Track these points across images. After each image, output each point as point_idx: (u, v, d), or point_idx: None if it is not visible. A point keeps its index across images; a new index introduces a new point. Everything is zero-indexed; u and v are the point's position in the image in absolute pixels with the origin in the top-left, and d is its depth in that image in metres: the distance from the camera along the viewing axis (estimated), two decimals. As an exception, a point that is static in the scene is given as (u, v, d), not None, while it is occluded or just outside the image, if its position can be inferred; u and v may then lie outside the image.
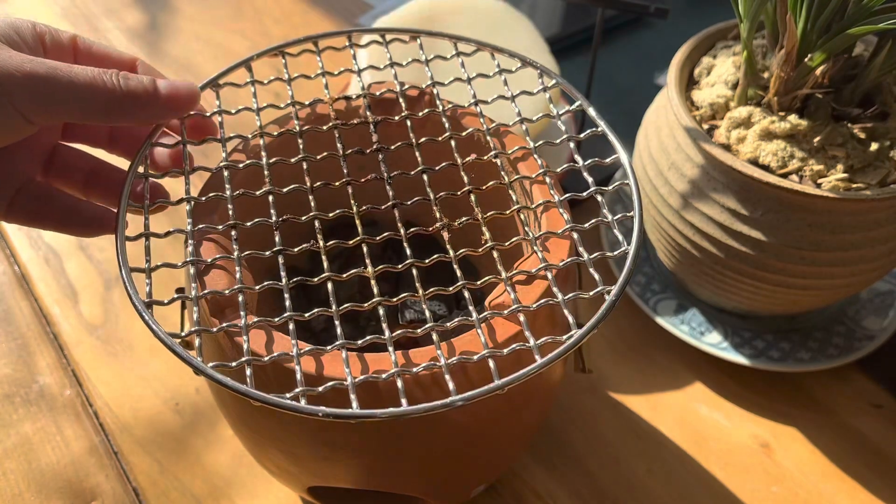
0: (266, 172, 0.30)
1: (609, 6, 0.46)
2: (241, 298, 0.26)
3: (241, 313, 0.26)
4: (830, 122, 0.37)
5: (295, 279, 0.27)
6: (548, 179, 0.30)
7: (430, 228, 0.29)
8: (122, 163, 0.32)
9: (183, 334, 0.25)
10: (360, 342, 0.25)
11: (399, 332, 0.25)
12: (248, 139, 0.33)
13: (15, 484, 0.40)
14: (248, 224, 0.29)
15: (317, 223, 0.29)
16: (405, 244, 0.28)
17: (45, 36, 0.29)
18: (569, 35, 0.65)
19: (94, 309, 0.48)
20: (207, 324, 0.27)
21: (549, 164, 0.31)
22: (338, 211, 0.29)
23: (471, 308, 0.26)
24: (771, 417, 0.43)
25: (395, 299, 0.26)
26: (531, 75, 0.34)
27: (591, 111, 0.32)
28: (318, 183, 0.30)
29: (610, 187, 0.30)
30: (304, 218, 0.29)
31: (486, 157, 0.31)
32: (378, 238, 0.28)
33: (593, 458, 0.41)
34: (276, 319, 0.26)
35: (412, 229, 0.29)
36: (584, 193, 0.30)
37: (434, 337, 0.25)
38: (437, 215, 0.29)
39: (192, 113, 0.31)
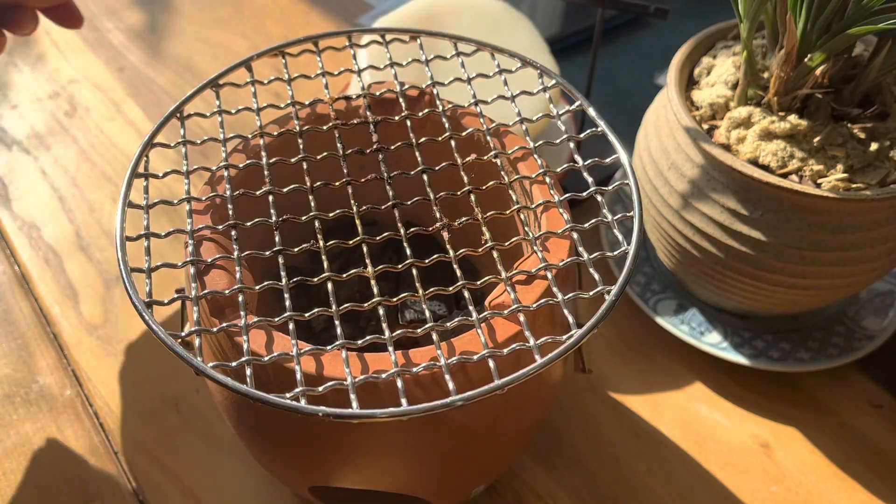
0: (266, 172, 0.30)
1: (609, 6, 0.46)
2: (241, 298, 0.26)
3: (241, 313, 0.26)
4: (830, 122, 0.37)
5: (295, 279, 0.27)
6: (548, 179, 0.30)
7: (430, 228, 0.29)
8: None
9: (183, 334, 0.25)
10: (360, 342, 0.25)
11: (399, 332, 0.25)
12: (248, 139, 0.33)
13: (15, 484, 0.40)
14: (248, 224, 0.29)
15: (317, 223, 0.29)
16: (405, 244, 0.28)
17: None
18: (569, 35, 0.65)
19: (94, 309, 0.48)
20: (207, 324, 0.27)
21: (549, 164, 0.31)
22: (338, 211, 0.29)
23: (471, 308, 0.26)
24: (771, 417, 0.43)
25: (395, 299, 0.26)
26: (531, 75, 0.34)
27: (591, 111, 0.32)
28: (318, 183, 0.30)
29: (610, 187, 0.30)
30: (304, 218, 0.29)
31: (486, 157, 0.31)
32: (378, 238, 0.28)
33: (593, 458, 0.41)
34: (276, 319, 0.26)
35: (412, 229, 0.29)
36: (584, 193, 0.30)
37: (434, 337, 0.25)
38: (437, 215, 0.29)
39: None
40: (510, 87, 0.34)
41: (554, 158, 0.52)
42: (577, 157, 0.30)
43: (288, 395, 0.23)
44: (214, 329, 0.26)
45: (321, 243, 0.28)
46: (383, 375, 0.24)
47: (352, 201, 0.29)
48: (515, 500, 0.40)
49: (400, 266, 0.27)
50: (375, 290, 0.26)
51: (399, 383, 0.24)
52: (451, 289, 0.27)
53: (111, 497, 0.40)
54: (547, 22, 0.66)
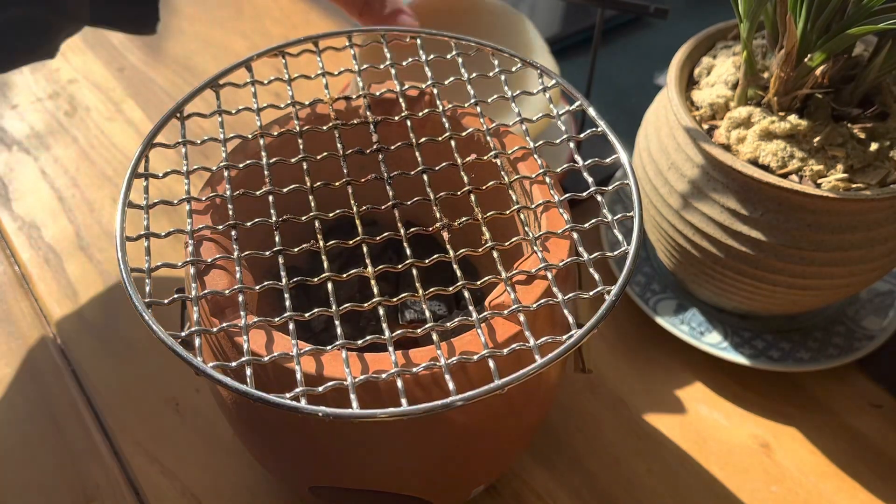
0: (266, 172, 0.30)
1: (609, 6, 0.46)
2: (241, 298, 0.26)
3: (241, 313, 0.26)
4: (830, 122, 0.37)
5: (295, 279, 0.27)
6: (548, 179, 0.30)
7: (430, 228, 0.29)
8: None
9: (183, 334, 0.25)
10: (360, 342, 0.25)
11: (399, 332, 0.25)
12: (248, 139, 0.33)
13: (15, 484, 0.40)
14: (248, 224, 0.29)
15: (317, 223, 0.29)
16: (405, 244, 0.28)
17: None
18: (569, 35, 0.65)
19: (94, 309, 0.48)
20: (207, 324, 0.27)
21: (549, 164, 0.31)
22: (338, 211, 0.29)
23: (471, 308, 0.26)
24: (771, 417, 0.43)
25: (395, 299, 0.26)
26: (531, 75, 0.34)
27: (591, 111, 0.32)
28: (319, 183, 0.30)
29: (610, 187, 0.30)
30: (304, 218, 0.29)
31: (486, 157, 0.31)
32: (378, 238, 0.28)
33: (593, 458, 0.41)
34: (276, 319, 0.26)
35: (412, 229, 0.29)
36: (584, 193, 0.30)
37: (434, 337, 0.25)
38: (437, 215, 0.29)
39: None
40: (510, 87, 0.34)
41: (554, 158, 0.52)
42: (577, 157, 0.30)
43: (288, 395, 0.23)
44: (214, 329, 0.26)
45: (321, 243, 0.28)
46: (383, 375, 0.24)
47: (352, 201, 0.29)
48: (515, 500, 0.40)
49: (400, 266, 0.27)
50: (375, 290, 0.26)
51: (399, 383, 0.24)
52: (451, 289, 0.27)
53: (111, 497, 0.40)
54: (547, 22, 0.66)
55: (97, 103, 0.61)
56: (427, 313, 0.26)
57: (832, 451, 0.42)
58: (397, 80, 0.34)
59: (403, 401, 0.23)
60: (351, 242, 0.28)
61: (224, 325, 0.26)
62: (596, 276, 0.26)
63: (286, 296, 0.26)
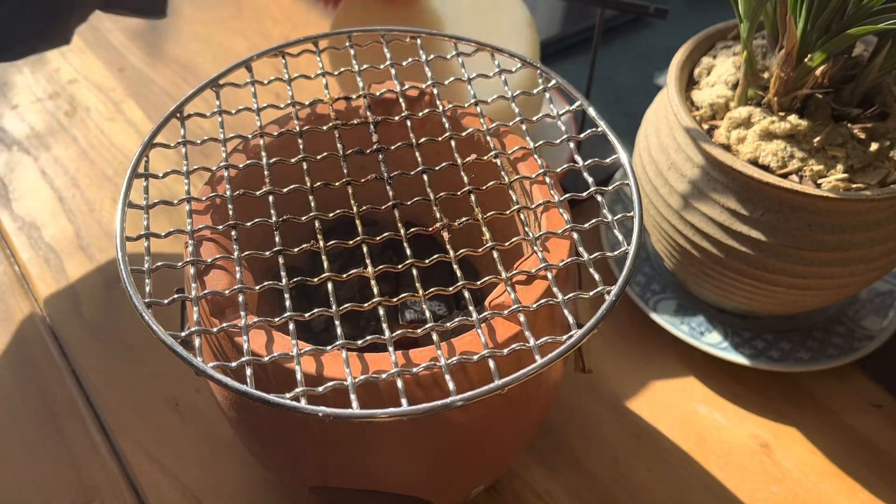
0: (266, 172, 0.30)
1: (609, 6, 0.46)
2: (241, 298, 0.26)
3: (241, 313, 0.26)
4: (830, 123, 0.37)
5: (295, 279, 0.27)
6: (548, 179, 0.30)
7: (430, 228, 0.29)
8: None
9: (183, 334, 0.25)
10: (360, 342, 0.25)
11: (399, 332, 0.25)
12: (248, 139, 0.33)
13: (15, 484, 0.40)
14: (248, 224, 0.29)
15: (317, 223, 0.29)
16: (405, 244, 0.28)
17: None
18: (569, 35, 0.65)
19: (94, 309, 0.48)
20: (207, 324, 0.27)
21: (549, 164, 0.31)
22: (338, 211, 0.29)
23: (471, 308, 0.26)
24: (771, 417, 0.43)
25: (395, 299, 0.26)
26: (531, 75, 0.34)
27: (591, 111, 0.32)
28: (319, 183, 0.30)
29: (610, 187, 0.30)
30: (304, 218, 0.29)
31: (486, 157, 0.31)
32: (378, 238, 0.28)
33: (593, 458, 0.41)
34: (276, 319, 0.26)
35: (412, 229, 0.29)
36: (584, 193, 0.30)
37: (434, 337, 0.25)
38: (437, 215, 0.29)
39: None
40: (510, 87, 0.34)
41: (554, 158, 0.52)
42: (577, 157, 0.30)
43: (288, 395, 0.23)
44: (214, 329, 0.26)
45: (321, 243, 0.28)
46: (383, 375, 0.24)
47: (352, 201, 0.29)
48: (515, 500, 0.40)
49: (400, 266, 0.27)
50: (375, 290, 0.26)
51: (399, 383, 0.24)
52: (451, 289, 0.27)
53: (111, 497, 0.40)
54: (547, 22, 0.66)
55: (97, 103, 0.61)
56: (427, 313, 0.26)
57: (832, 451, 0.42)
58: (397, 81, 0.34)
59: (403, 401, 0.23)
60: (351, 242, 0.28)
61: (224, 325, 0.26)
62: (596, 276, 0.26)
63: (286, 296, 0.26)
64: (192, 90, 0.33)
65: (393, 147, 0.32)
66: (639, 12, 0.45)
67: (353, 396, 0.23)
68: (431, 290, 0.26)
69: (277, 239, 0.28)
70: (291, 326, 0.25)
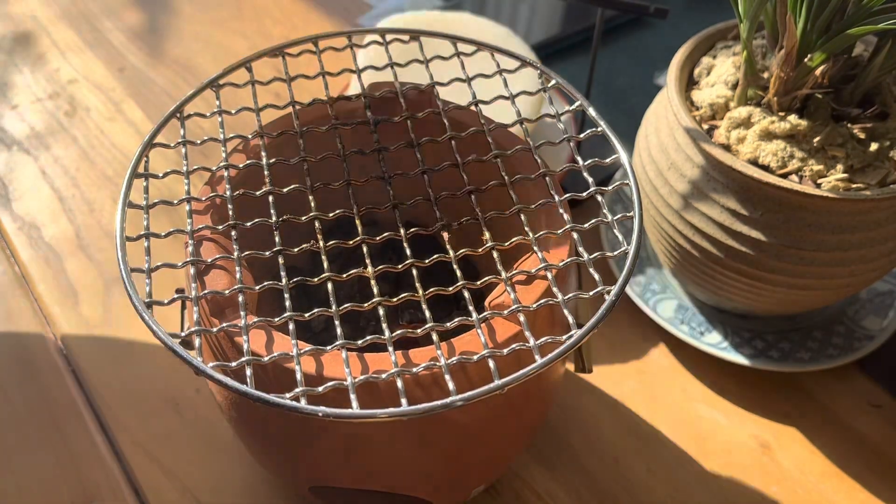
0: (266, 172, 0.30)
1: (609, 6, 0.46)
2: (241, 298, 0.26)
3: (241, 313, 0.26)
4: (830, 123, 0.37)
5: (295, 279, 0.27)
6: (548, 179, 0.30)
7: (430, 229, 0.29)
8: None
9: (183, 334, 0.25)
10: (360, 342, 0.25)
11: (399, 332, 0.25)
12: (248, 139, 0.33)
13: (15, 484, 0.40)
14: (248, 224, 0.29)
15: (317, 223, 0.29)
16: (405, 244, 0.28)
17: None
18: (569, 35, 0.65)
19: (94, 309, 0.48)
20: (207, 324, 0.27)
21: (549, 164, 0.31)
22: (338, 211, 0.29)
23: (471, 308, 0.26)
24: (771, 417, 0.43)
25: (395, 300, 0.26)
26: (531, 75, 0.34)
27: (591, 111, 0.32)
28: (318, 183, 0.30)
29: (610, 187, 0.30)
30: (304, 218, 0.29)
31: (486, 158, 0.31)
32: (378, 238, 0.28)
33: (593, 457, 0.41)
34: (276, 319, 0.26)
35: (412, 229, 0.29)
36: (584, 193, 0.30)
37: (434, 337, 0.25)
38: (437, 215, 0.29)
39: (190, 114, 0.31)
40: (510, 87, 0.34)
41: (554, 158, 0.52)
42: (577, 157, 0.30)
43: (288, 395, 0.23)
44: (214, 329, 0.26)
45: (321, 243, 0.28)
46: (383, 375, 0.24)
47: (352, 201, 0.29)
48: (515, 500, 0.40)
49: (400, 266, 0.27)
50: (375, 290, 0.26)
51: (399, 383, 0.24)
52: (451, 289, 0.27)
53: (111, 497, 0.40)
54: (547, 22, 0.66)
55: (97, 103, 0.61)
56: (427, 313, 0.26)
57: (832, 451, 0.42)
58: (397, 80, 0.34)
59: (403, 401, 0.23)
60: (351, 242, 0.28)
61: (224, 325, 0.26)
62: (596, 276, 0.26)
63: (286, 296, 0.26)
64: (192, 90, 0.33)
65: (393, 147, 0.32)
66: (639, 12, 0.45)
67: (352, 396, 0.23)
68: (431, 290, 0.26)
69: (277, 239, 0.28)
70: (291, 326, 0.25)
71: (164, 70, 0.64)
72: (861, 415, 0.43)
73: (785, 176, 0.36)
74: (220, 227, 0.29)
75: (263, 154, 0.31)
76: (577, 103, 0.32)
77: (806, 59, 0.35)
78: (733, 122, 0.37)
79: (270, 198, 0.29)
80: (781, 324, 0.45)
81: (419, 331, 0.26)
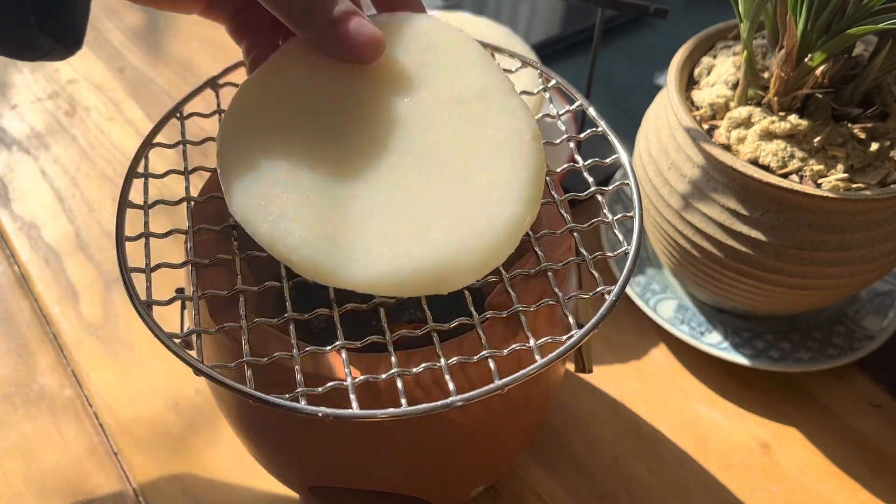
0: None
1: (609, 6, 0.46)
2: (241, 298, 0.26)
3: (241, 313, 0.26)
4: (830, 123, 0.37)
5: (295, 279, 0.27)
6: (548, 179, 0.30)
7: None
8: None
9: (182, 334, 0.25)
10: (360, 342, 0.25)
11: (399, 332, 0.25)
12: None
13: (15, 484, 0.40)
14: (248, 224, 0.29)
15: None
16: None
17: None
18: (569, 35, 0.65)
19: (94, 309, 0.48)
20: (207, 324, 0.27)
21: (549, 164, 0.31)
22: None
23: (471, 308, 0.26)
24: (771, 417, 0.43)
25: (394, 299, 0.26)
26: (531, 75, 0.34)
27: (591, 111, 0.32)
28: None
29: (610, 187, 0.30)
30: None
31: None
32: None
33: (593, 457, 0.41)
34: (276, 320, 0.26)
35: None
36: (584, 193, 0.30)
37: (434, 337, 0.25)
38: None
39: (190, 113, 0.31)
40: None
41: (554, 158, 0.52)
42: (578, 157, 0.30)
43: (288, 395, 0.23)
44: (214, 329, 0.26)
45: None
46: (383, 376, 0.24)
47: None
48: (515, 500, 0.40)
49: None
50: (375, 290, 0.26)
51: (399, 384, 0.24)
52: (451, 289, 0.26)
53: (111, 497, 0.40)
54: (547, 22, 0.66)
55: (97, 103, 0.61)
56: (427, 313, 0.26)
57: (832, 451, 0.42)
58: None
59: (403, 401, 0.23)
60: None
61: (224, 325, 0.26)
62: (596, 276, 0.26)
63: (286, 296, 0.26)
64: (191, 90, 0.33)
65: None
66: (639, 12, 0.45)
67: (352, 397, 0.23)
68: (431, 290, 0.26)
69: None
70: (291, 326, 0.25)
71: (163, 70, 0.64)
72: (861, 415, 0.43)
73: (785, 176, 0.36)
74: (220, 226, 0.29)
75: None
76: (577, 103, 0.32)
77: (806, 59, 0.35)
78: (733, 122, 0.37)
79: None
80: (781, 324, 0.45)
81: (419, 331, 0.26)
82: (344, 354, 0.24)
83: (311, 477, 0.33)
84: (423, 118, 0.27)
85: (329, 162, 0.26)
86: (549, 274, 0.27)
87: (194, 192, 0.30)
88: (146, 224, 0.29)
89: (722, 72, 0.40)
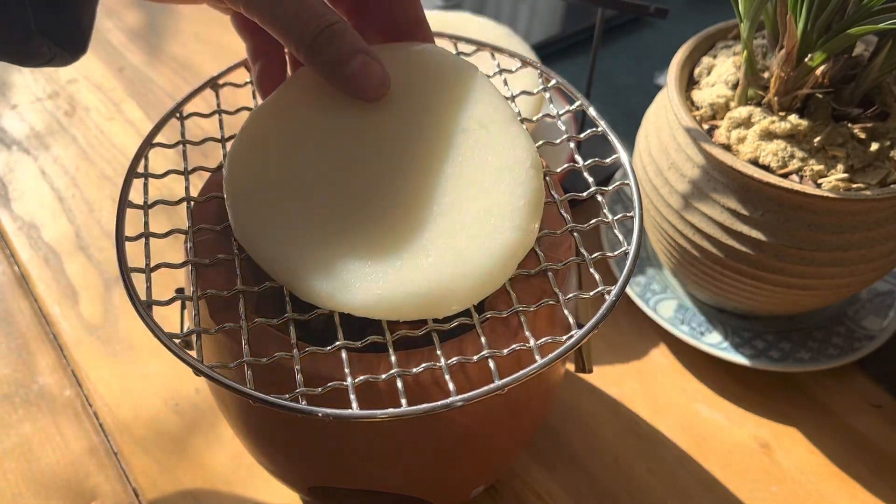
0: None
1: (609, 6, 0.46)
2: (241, 298, 0.26)
3: (241, 313, 0.26)
4: (830, 122, 0.37)
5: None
6: (548, 179, 0.30)
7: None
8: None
9: (182, 334, 0.25)
10: (360, 342, 0.25)
11: (399, 332, 0.25)
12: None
13: (15, 484, 0.40)
14: (248, 224, 0.29)
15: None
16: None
17: None
18: (569, 35, 0.65)
19: (94, 309, 0.48)
20: (207, 324, 0.27)
21: (549, 164, 0.31)
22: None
23: (471, 308, 0.26)
24: (771, 417, 0.43)
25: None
26: (531, 75, 0.34)
27: (591, 111, 0.32)
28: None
29: (610, 187, 0.30)
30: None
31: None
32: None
33: (593, 458, 0.41)
34: (276, 320, 0.26)
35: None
36: (585, 193, 0.30)
37: (434, 337, 0.25)
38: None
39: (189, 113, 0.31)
40: (510, 87, 0.34)
41: (554, 158, 0.52)
42: (578, 157, 0.30)
43: (288, 395, 0.23)
44: (214, 329, 0.26)
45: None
46: (383, 376, 0.24)
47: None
48: (515, 500, 0.40)
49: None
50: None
51: (399, 384, 0.24)
52: (451, 289, 0.26)
53: (111, 497, 0.40)
54: (547, 22, 0.66)
55: (97, 103, 0.61)
56: (427, 313, 0.26)
57: (832, 451, 0.42)
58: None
59: (403, 401, 0.23)
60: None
61: (224, 325, 0.26)
62: (596, 276, 0.26)
63: (286, 296, 0.26)
64: (191, 90, 0.33)
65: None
66: (639, 12, 0.45)
67: (352, 397, 0.23)
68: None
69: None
70: (291, 327, 0.25)
71: (163, 70, 0.64)
72: (861, 415, 0.43)
73: (785, 176, 0.36)
74: (220, 226, 0.29)
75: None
76: (577, 103, 0.32)
77: (806, 59, 0.35)
78: (733, 122, 0.37)
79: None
80: (781, 324, 0.45)
81: (419, 331, 0.26)
82: (344, 354, 0.24)
83: (311, 477, 0.33)
84: (427, 147, 0.28)
85: (332, 189, 0.27)
86: (550, 274, 0.27)
87: (194, 192, 0.30)
88: (146, 224, 0.29)
89: (722, 72, 0.40)
